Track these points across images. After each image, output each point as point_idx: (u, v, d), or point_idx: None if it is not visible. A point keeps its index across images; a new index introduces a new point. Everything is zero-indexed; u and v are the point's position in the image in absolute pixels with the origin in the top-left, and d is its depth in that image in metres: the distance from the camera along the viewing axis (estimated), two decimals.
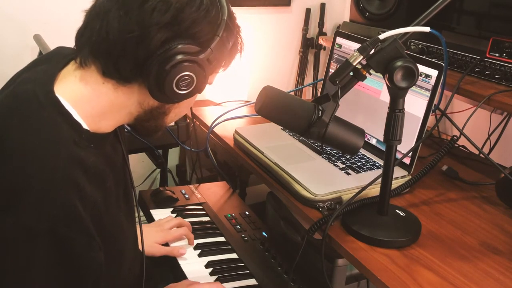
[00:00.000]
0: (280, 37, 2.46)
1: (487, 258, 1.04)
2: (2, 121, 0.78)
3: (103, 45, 0.80)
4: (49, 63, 0.87)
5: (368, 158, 1.38)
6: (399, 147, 1.10)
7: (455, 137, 1.28)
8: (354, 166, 1.32)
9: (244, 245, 1.34)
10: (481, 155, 1.34)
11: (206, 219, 1.45)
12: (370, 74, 1.00)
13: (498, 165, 1.24)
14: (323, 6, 2.47)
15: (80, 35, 0.83)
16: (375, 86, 1.41)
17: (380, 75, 0.99)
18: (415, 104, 1.29)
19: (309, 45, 2.49)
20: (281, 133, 1.52)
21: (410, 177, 1.29)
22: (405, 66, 0.96)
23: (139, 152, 1.92)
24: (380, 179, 1.10)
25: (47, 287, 0.77)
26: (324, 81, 1.63)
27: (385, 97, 1.37)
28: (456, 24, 1.62)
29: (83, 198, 0.77)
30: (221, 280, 1.19)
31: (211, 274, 1.22)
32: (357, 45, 1.11)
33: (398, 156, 1.27)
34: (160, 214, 1.44)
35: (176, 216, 1.43)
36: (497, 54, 1.42)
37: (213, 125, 1.61)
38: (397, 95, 1.01)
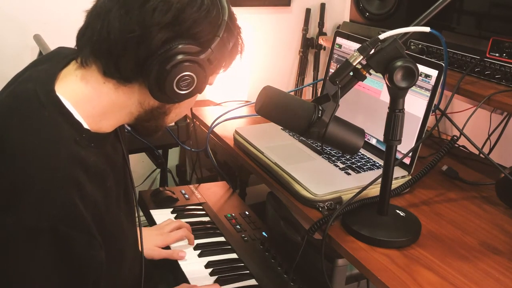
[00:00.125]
0: (280, 37, 2.46)
1: (487, 258, 1.04)
2: (2, 120, 0.78)
3: (104, 45, 0.80)
4: (50, 63, 0.87)
5: (368, 158, 1.38)
6: (399, 147, 1.10)
7: (455, 137, 1.28)
8: (354, 166, 1.32)
9: (244, 245, 1.34)
10: (481, 155, 1.34)
11: (206, 219, 1.45)
12: (370, 74, 1.00)
13: (498, 165, 1.24)
14: (323, 6, 2.47)
15: (81, 35, 0.84)
16: (375, 86, 1.41)
17: (380, 75, 0.99)
18: (415, 104, 1.29)
19: (309, 45, 2.49)
20: (281, 133, 1.52)
21: (410, 177, 1.29)
22: (405, 66, 0.96)
23: (139, 152, 1.92)
24: (380, 179, 1.10)
25: (48, 286, 0.77)
26: (324, 81, 1.63)
27: (385, 97, 1.37)
28: (456, 24, 1.62)
29: (83, 197, 0.77)
30: (221, 280, 1.19)
31: (211, 274, 1.22)
32: (357, 45, 1.11)
33: (398, 156, 1.27)
34: (160, 214, 1.44)
35: (176, 216, 1.43)
36: (497, 54, 1.42)
37: (213, 125, 1.61)
38: (397, 95, 1.01)
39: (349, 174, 1.29)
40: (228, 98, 1.98)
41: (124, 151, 1.01)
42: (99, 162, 0.84)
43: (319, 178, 1.25)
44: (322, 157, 1.37)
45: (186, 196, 1.54)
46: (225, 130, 1.59)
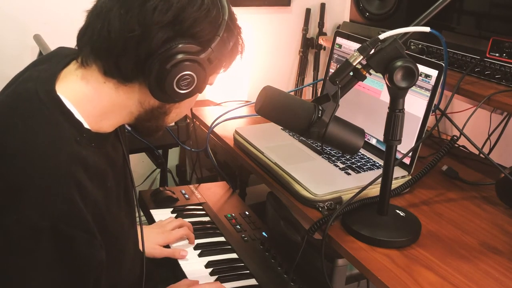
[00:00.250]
0: (280, 37, 2.46)
1: (487, 258, 1.04)
2: (3, 120, 0.78)
3: (104, 44, 0.80)
4: (50, 62, 0.87)
5: (368, 158, 1.38)
6: (399, 147, 1.10)
7: (455, 137, 1.28)
8: (354, 166, 1.32)
9: (244, 245, 1.34)
10: (481, 155, 1.34)
11: (206, 219, 1.45)
12: (370, 74, 1.00)
13: (498, 165, 1.24)
14: (323, 6, 2.47)
15: (82, 35, 0.84)
16: (375, 86, 1.41)
17: (380, 75, 0.99)
18: (415, 104, 1.29)
19: (309, 45, 2.49)
20: (281, 133, 1.52)
21: (410, 177, 1.29)
22: (405, 66, 0.96)
23: (139, 152, 1.92)
24: (380, 179, 1.10)
25: (48, 285, 0.77)
26: (324, 81, 1.63)
27: (385, 97, 1.37)
28: (456, 24, 1.62)
29: (84, 197, 0.77)
30: (221, 280, 1.19)
31: (211, 274, 1.22)
32: (357, 45, 1.11)
33: (398, 156, 1.27)
34: (160, 214, 1.44)
35: (176, 216, 1.43)
36: (497, 54, 1.42)
37: (213, 125, 1.61)
38: (397, 95, 1.01)
39: (349, 174, 1.29)
40: (228, 98, 1.98)
41: (125, 151, 1.01)
42: (99, 162, 0.84)
43: (319, 178, 1.25)
44: (322, 157, 1.37)
45: (186, 196, 1.54)
46: (225, 130, 1.59)
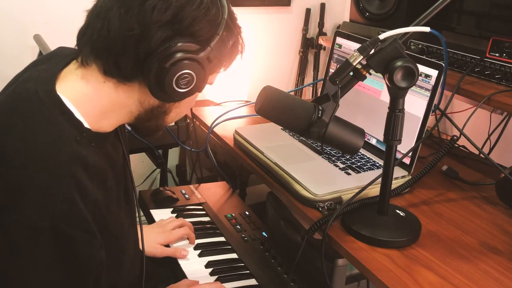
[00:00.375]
0: (280, 37, 2.46)
1: (487, 258, 1.04)
2: (3, 120, 0.78)
3: (104, 44, 0.80)
4: (50, 62, 0.87)
5: (368, 158, 1.38)
6: (399, 147, 1.10)
7: (455, 137, 1.28)
8: (354, 166, 1.32)
9: (244, 245, 1.34)
10: (481, 155, 1.34)
11: (206, 219, 1.45)
12: (370, 74, 1.00)
13: (498, 165, 1.24)
14: (323, 6, 2.47)
15: (82, 35, 0.84)
16: (375, 86, 1.41)
17: (380, 75, 0.99)
18: (415, 104, 1.29)
19: (309, 45, 2.49)
20: (281, 133, 1.52)
21: (410, 177, 1.29)
22: (405, 66, 0.96)
23: (139, 152, 1.92)
24: (380, 179, 1.10)
25: (48, 285, 0.77)
26: (324, 81, 1.63)
27: (385, 97, 1.37)
28: (456, 24, 1.62)
29: (84, 196, 0.77)
30: (221, 280, 1.19)
31: (211, 274, 1.22)
32: (357, 45, 1.11)
33: (398, 156, 1.27)
34: (160, 214, 1.44)
35: (176, 216, 1.43)
36: (497, 54, 1.42)
37: (213, 125, 1.61)
38: (397, 95, 1.01)
39: (349, 174, 1.29)
40: (228, 98, 1.98)
41: (125, 151, 1.01)
42: (99, 162, 0.84)
43: (319, 178, 1.25)
44: (322, 157, 1.37)
45: (186, 196, 1.54)
46: (225, 130, 1.59)
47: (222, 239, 1.36)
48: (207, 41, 0.82)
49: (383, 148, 1.31)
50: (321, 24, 2.47)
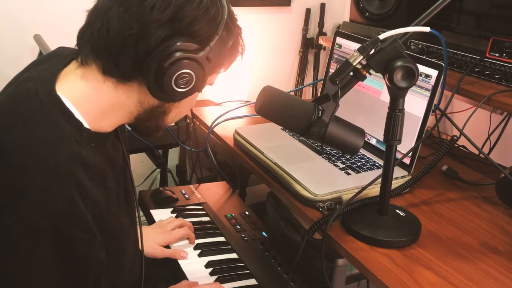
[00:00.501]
0: (280, 37, 2.46)
1: (487, 258, 1.04)
2: (3, 120, 0.78)
3: (103, 43, 0.80)
4: (50, 62, 0.88)
5: (368, 158, 1.38)
6: (399, 147, 1.10)
7: (455, 137, 1.28)
8: (354, 166, 1.32)
9: (244, 245, 1.34)
10: (481, 155, 1.34)
11: (206, 219, 1.45)
12: (370, 74, 1.00)
13: (498, 165, 1.24)
14: (323, 6, 2.47)
15: (82, 34, 0.84)
16: (375, 86, 1.41)
17: (380, 75, 0.99)
18: (415, 104, 1.29)
19: (309, 45, 2.49)
20: (281, 133, 1.52)
21: (410, 177, 1.29)
22: (405, 66, 0.96)
23: (139, 152, 1.92)
24: (380, 179, 1.10)
25: (48, 285, 0.77)
26: (324, 81, 1.63)
27: (385, 97, 1.37)
28: (456, 24, 1.62)
29: (84, 197, 0.77)
30: (221, 280, 1.19)
31: (211, 274, 1.22)
32: (357, 45, 1.11)
33: (398, 156, 1.27)
34: (160, 214, 1.44)
35: (176, 216, 1.43)
36: (497, 54, 1.42)
37: (213, 125, 1.61)
38: (397, 95, 1.01)
39: (349, 174, 1.29)
40: (228, 98, 1.98)
41: (125, 151, 1.01)
42: (99, 162, 0.84)
43: (319, 178, 1.25)
44: (322, 157, 1.37)
45: (186, 196, 1.54)
46: (225, 130, 1.59)
47: (222, 239, 1.36)
48: (207, 41, 0.82)
49: (383, 148, 1.31)
50: (321, 24, 2.47)
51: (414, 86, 1.06)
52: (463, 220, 1.18)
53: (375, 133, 1.41)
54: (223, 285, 1.17)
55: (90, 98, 0.83)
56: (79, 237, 0.76)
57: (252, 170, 1.40)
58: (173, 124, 1.68)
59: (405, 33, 0.99)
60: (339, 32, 1.55)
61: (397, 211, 1.15)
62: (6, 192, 0.73)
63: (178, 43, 0.79)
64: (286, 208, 1.39)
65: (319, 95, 1.58)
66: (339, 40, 1.55)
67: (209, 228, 1.40)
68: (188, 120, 1.73)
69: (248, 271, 1.24)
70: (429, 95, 1.26)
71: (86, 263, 0.79)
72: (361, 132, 1.05)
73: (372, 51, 0.98)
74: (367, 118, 1.43)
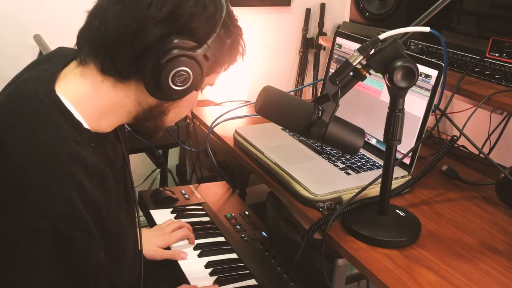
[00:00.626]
0: (280, 37, 2.46)
1: (487, 258, 1.04)
2: (3, 120, 0.78)
3: (101, 41, 0.80)
4: (50, 62, 0.88)
5: (368, 158, 1.38)
6: (399, 147, 1.10)
7: (455, 137, 1.28)
8: (354, 166, 1.32)
9: (244, 245, 1.34)
10: (481, 155, 1.34)
11: (206, 219, 1.45)
12: (370, 74, 1.00)
13: (498, 165, 1.24)
14: (323, 6, 2.47)
15: (81, 34, 0.84)
16: (375, 86, 1.41)
17: (380, 75, 0.99)
18: (415, 104, 1.29)
19: (309, 45, 2.49)
20: (281, 133, 1.52)
21: (410, 177, 1.29)
22: (405, 66, 0.96)
23: (139, 152, 1.92)
24: (380, 179, 1.10)
25: (48, 285, 0.77)
26: (324, 81, 1.63)
27: (385, 97, 1.37)
28: (456, 24, 1.62)
29: (83, 197, 0.77)
30: (220, 280, 1.19)
31: (211, 274, 1.22)
32: (357, 45, 1.11)
33: (398, 156, 1.27)
34: (160, 214, 1.44)
35: (176, 216, 1.43)
36: (497, 54, 1.42)
37: (213, 125, 1.61)
38: (397, 95, 1.01)
39: (349, 174, 1.29)
40: (228, 98, 1.98)
41: (124, 151, 1.01)
42: (99, 162, 0.84)
43: (319, 178, 1.25)
44: (322, 157, 1.37)
45: (186, 196, 1.54)
46: (225, 130, 1.59)
47: (222, 239, 1.36)
48: (204, 39, 0.82)
49: (383, 148, 1.31)
50: (321, 24, 2.48)
51: (414, 86, 1.06)
52: (463, 220, 1.18)
53: (375, 133, 1.41)
54: (223, 285, 1.17)
55: (89, 98, 0.83)
56: (79, 237, 0.76)
57: (252, 170, 1.40)
58: (173, 124, 1.68)
59: (405, 33, 0.99)
60: (339, 32, 1.55)
61: (397, 211, 1.15)
62: (6, 192, 0.73)
63: (175, 41, 0.79)
64: (286, 208, 1.39)
65: (319, 95, 1.58)
66: (339, 40, 1.55)
67: (209, 228, 1.40)
68: (188, 120, 1.74)
69: (248, 271, 1.24)
70: (429, 95, 1.26)
71: (85, 263, 0.79)
72: (361, 132, 1.05)
73: (372, 51, 0.98)
74: (367, 118, 1.43)
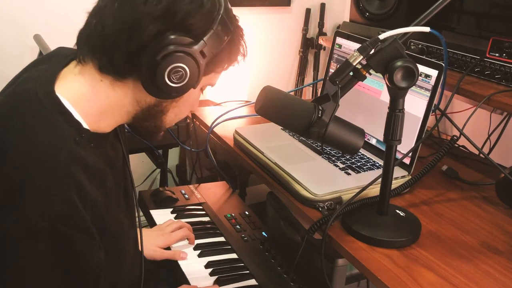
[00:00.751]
0: (280, 37, 2.46)
1: (487, 258, 1.04)
2: (3, 120, 0.78)
3: (99, 39, 0.80)
4: (50, 63, 0.88)
5: (368, 158, 1.38)
6: (399, 147, 1.10)
7: (455, 137, 1.28)
8: (354, 166, 1.32)
9: (244, 245, 1.34)
10: (481, 155, 1.34)
11: (206, 219, 1.45)
12: (370, 74, 1.00)
13: (498, 165, 1.24)
14: (323, 6, 2.47)
15: (81, 34, 0.84)
16: (375, 86, 1.41)
17: (380, 75, 0.99)
18: (415, 104, 1.29)
19: (309, 45, 2.49)
20: (281, 133, 1.52)
21: (410, 177, 1.29)
22: (405, 66, 0.96)
23: (139, 152, 1.92)
24: (380, 179, 1.10)
25: (48, 285, 0.77)
26: (324, 81, 1.63)
27: (385, 97, 1.37)
28: (456, 24, 1.62)
29: (83, 197, 0.77)
30: (220, 280, 1.19)
31: (211, 274, 1.22)
32: (357, 45, 1.11)
33: (398, 156, 1.27)
34: (160, 214, 1.44)
35: (176, 217, 1.43)
36: (497, 54, 1.42)
37: (213, 125, 1.61)
38: (397, 95, 1.01)
39: (349, 174, 1.29)
40: (228, 98, 1.98)
41: (124, 151, 1.01)
42: (98, 162, 0.84)
43: (319, 178, 1.25)
44: (322, 157, 1.37)
45: (186, 196, 1.54)
46: (225, 130, 1.59)
47: (222, 239, 1.36)
48: (201, 36, 0.82)
49: (383, 148, 1.31)
50: (321, 24, 2.48)
51: (414, 86, 1.06)
52: (463, 220, 1.18)
53: (375, 133, 1.41)
54: (223, 285, 1.17)
55: (88, 98, 0.83)
56: (78, 237, 0.76)
57: (252, 170, 1.40)
58: (173, 125, 1.68)
59: (405, 33, 0.99)
60: (339, 32, 1.55)
61: (397, 211, 1.15)
62: (5, 192, 0.73)
63: (171, 37, 0.79)
64: (286, 208, 1.39)
65: (319, 95, 1.58)
66: (339, 40, 1.55)
67: (209, 228, 1.40)
68: (188, 120, 1.74)
69: (248, 271, 1.24)
70: (429, 95, 1.26)
71: (85, 263, 0.79)
72: (361, 132, 1.05)
73: (372, 51, 0.98)
74: (367, 118, 1.43)
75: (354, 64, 0.98)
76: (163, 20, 0.78)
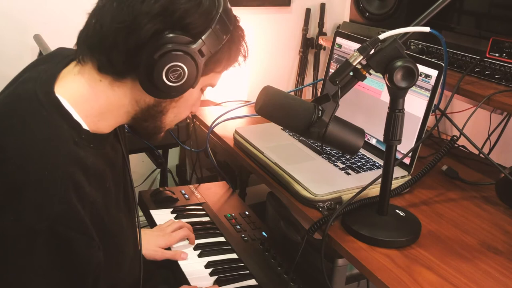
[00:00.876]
0: (280, 37, 2.46)
1: (487, 258, 1.04)
2: (2, 120, 0.78)
3: (98, 39, 0.80)
4: (50, 63, 0.88)
5: (368, 158, 1.38)
6: (399, 147, 1.10)
7: (455, 137, 1.28)
8: (354, 166, 1.32)
9: (244, 245, 1.34)
10: (481, 155, 1.34)
11: (206, 219, 1.45)
12: (370, 74, 1.00)
13: (498, 165, 1.24)
14: (323, 6, 2.47)
15: (81, 34, 0.84)
16: (375, 86, 1.41)
17: (380, 75, 0.99)
18: (415, 104, 1.29)
19: (309, 45, 2.49)
20: (281, 133, 1.52)
21: (410, 177, 1.29)
22: (405, 66, 0.96)
23: (139, 152, 1.92)
24: (380, 179, 1.10)
25: (47, 286, 0.77)
26: (324, 81, 1.63)
27: (385, 97, 1.37)
28: (456, 24, 1.62)
29: (82, 198, 0.77)
30: (221, 280, 1.19)
31: (211, 274, 1.22)
32: (357, 45, 1.11)
33: (398, 156, 1.27)
34: (160, 214, 1.44)
35: (176, 217, 1.43)
36: (497, 54, 1.42)
37: (213, 125, 1.61)
38: (397, 95, 1.01)
39: (349, 174, 1.29)
40: (228, 98, 1.98)
41: (124, 152, 1.01)
42: (98, 163, 0.84)
43: (319, 178, 1.25)
44: (322, 157, 1.37)
45: (186, 196, 1.54)
46: (225, 130, 1.59)
47: (222, 239, 1.36)
48: (200, 35, 0.81)
49: (383, 148, 1.31)
50: (321, 24, 2.48)
51: (414, 86, 1.06)
52: (463, 220, 1.18)
53: (375, 133, 1.41)
54: (223, 286, 1.17)
55: (87, 98, 0.83)
56: (77, 239, 0.76)
57: (252, 170, 1.40)
58: (173, 126, 1.68)
59: (405, 33, 0.99)
60: (339, 32, 1.55)
61: (397, 211, 1.15)
62: (4, 193, 0.73)
63: (169, 36, 0.79)
64: (286, 208, 1.39)
65: (319, 95, 1.58)
66: (339, 40, 1.55)
67: (209, 228, 1.40)
68: (188, 120, 1.74)
69: (248, 271, 1.24)
70: (429, 95, 1.26)
71: (84, 264, 0.78)
72: (361, 132, 1.05)
73: (372, 51, 0.98)
74: (367, 118, 1.43)
75: (354, 64, 0.98)
76: (161, 18, 0.78)
